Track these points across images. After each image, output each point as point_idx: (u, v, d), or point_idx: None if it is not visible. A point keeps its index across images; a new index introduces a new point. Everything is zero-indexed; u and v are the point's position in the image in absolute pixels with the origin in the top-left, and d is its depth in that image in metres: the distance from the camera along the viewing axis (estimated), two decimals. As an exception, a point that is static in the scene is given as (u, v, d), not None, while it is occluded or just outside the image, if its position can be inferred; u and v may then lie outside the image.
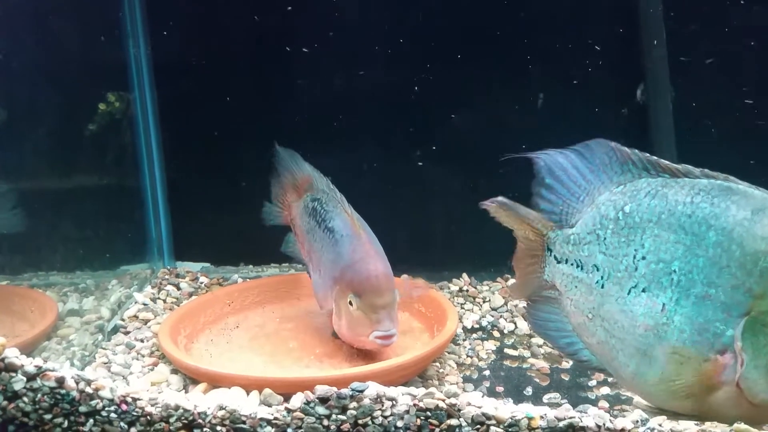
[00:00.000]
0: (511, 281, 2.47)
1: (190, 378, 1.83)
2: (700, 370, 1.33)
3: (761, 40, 2.22)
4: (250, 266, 2.61)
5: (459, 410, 1.41)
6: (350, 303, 1.84)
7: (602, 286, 1.49)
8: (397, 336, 1.84)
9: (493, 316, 2.31)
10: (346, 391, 1.43)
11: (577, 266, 1.55)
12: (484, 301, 2.40)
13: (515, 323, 2.27)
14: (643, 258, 1.43)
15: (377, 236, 2.05)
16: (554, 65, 2.35)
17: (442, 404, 1.41)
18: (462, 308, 2.37)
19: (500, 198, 1.68)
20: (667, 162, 1.46)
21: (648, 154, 1.49)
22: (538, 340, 2.17)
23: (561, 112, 2.35)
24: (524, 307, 1.98)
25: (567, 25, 2.31)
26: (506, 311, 2.34)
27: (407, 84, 2.41)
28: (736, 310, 1.31)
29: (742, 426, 1.30)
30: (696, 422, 1.56)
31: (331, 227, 2.01)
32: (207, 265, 2.64)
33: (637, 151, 1.51)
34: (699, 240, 1.36)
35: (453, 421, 1.40)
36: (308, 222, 2.11)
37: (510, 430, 1.38)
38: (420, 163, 2.47)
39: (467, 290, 2.45)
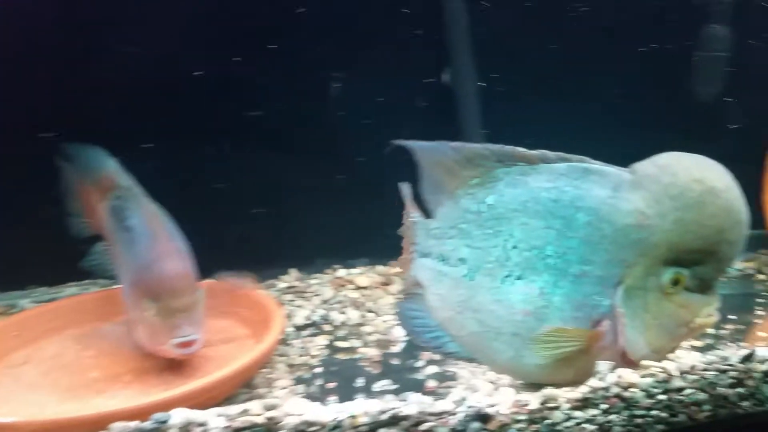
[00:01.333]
0: (341, 271, 2.42)
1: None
2: (582, 341, 1.38)
3: (558, 18, 2.34)
4: (43, 288, 2.27)
5: (278, 423, 1.31)
6: (147, 308, 1.68)
7: (471, 279, 1.47)
8: (201, 342, 1.70)
9: (324, 310, 2.21)
10: (147, 424, 1.26)
11: (441, 260, 1.52)
12: (314, 295, 2.30)
13: (346, 314, 2.20)
14: (515, 247, 1.43)
15: (195, 237, 1.87)
16: (360, 51, 2.27)
17: (259, 420, 1.30)
18: (292, 305, 2.25)
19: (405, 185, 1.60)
20: (522, 150, 1.46)
21: (502, 145, 1.47)
22: (368, 328, 2.12)
23: (367, 99, 2.29)
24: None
25: (374, 10, 2.25)
26: (337, 302, 2.27)
27: (208, 79, 2.21)
28: (611, 282, 1.37)
29: (550, 390, 1.37)
30: (515, 390, 1.61)
31: (129, 226, 1.83)
32: (-13, 291, 2.27)
33: (489, 144, 1.48)
34: (569, 222, 1.39)
35: (273, 436, 1.30)
36: (111, 223, 1.91)
37: None
38: (238, 155, 2.31)
39: (296, 286, 2.34)
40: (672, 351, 1.48)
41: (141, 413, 1.29)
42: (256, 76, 2.23)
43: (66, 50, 2.15)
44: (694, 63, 2.39)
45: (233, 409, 1.31)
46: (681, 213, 1.33)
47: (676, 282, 1.38)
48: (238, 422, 1.29)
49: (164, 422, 1.26)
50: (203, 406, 1.36)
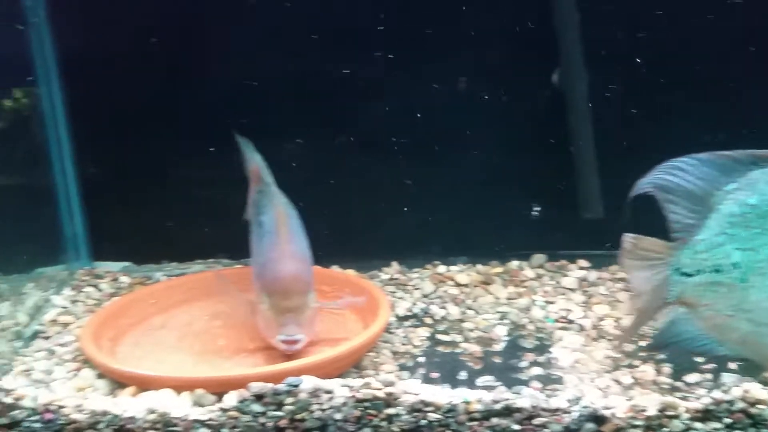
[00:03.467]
0: (441, 268, 2.50)
1: (118, 382, 1.76)
2: None
3: (675, 20, 2.31)
4: (174, 263, 2.51)
5: (397, 399, 1.42)
6: (263, 301, 1.85)
7: (744, 281, 1.56)
8: (304, 341, 1.82)
9: (424, 303, 2.31)
10: (281, 386, 1.42)
11: (714, 271, 1.61)
12: (414, 289, 2.40)
13: (446, 309, 2.29)
14: None
15: (312, 228, 2.02)
16: (473, 52, 2.34)
17: (380, 394, 1.42)
18: (393, 296, 2.36)
19: (629, 235, 1.71)
20: None
21: (752, 150, 1.58)
22: (469, 324, 2.20)
23: (478, 99, 2.37)
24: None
25: (481, 13, 2.31)
26: (437, 297, 2.35)
27: (327, 72, 2.36)
28: None
29: (669, 399, 1.39)
30: (627, 398, 1.62)
31: (261, 221, 2.02)
32: (128, 264, 2.52)
33: (740, 150, 1.59)
34: None
35: (391, 410, 1.41)
36: (252, 214, 2.12)
37: (448, 415, 1.40)
38: (342, 152, 2.45)
39: (398, 278, 2.45)
40: None
41: (276, 377, 1.44)
42: (381, 77, 2.37)
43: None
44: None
45: (356, 381, 1.44)
46: None
47: None
48: (361, 393, 1.42)
49: (296, 386, 1.41)
50: (326, 377, 1.49)
